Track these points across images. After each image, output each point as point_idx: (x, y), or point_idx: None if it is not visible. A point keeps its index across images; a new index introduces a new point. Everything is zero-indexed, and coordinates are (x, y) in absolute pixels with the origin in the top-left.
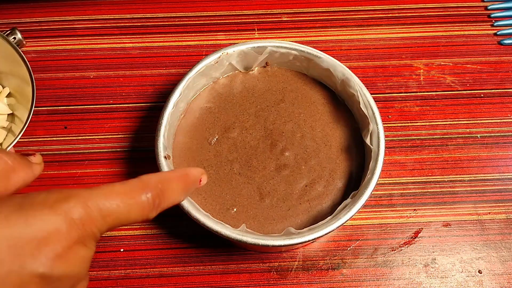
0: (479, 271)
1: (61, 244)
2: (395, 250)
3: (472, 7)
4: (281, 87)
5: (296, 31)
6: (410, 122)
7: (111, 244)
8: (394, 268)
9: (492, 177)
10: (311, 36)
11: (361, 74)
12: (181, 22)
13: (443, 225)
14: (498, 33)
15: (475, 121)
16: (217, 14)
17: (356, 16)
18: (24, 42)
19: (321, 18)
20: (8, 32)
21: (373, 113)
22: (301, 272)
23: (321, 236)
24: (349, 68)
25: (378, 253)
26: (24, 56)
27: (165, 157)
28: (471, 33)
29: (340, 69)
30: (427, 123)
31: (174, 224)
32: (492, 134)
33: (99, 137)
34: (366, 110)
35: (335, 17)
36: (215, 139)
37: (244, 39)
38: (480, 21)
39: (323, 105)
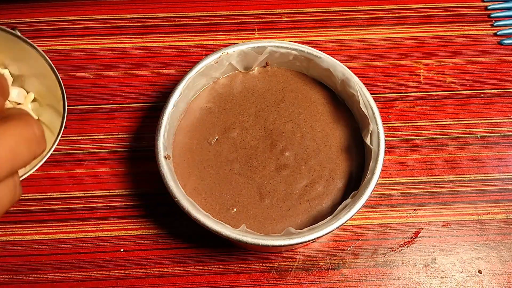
0: (479, 271)
1: None
2: (395, 250)
3: (472, 7)
4: (281, 87)
5: (296, 31)
6: (410, 122)
7: (111, 244)
8: (394, 268)
9: (492, 177)
10: (311, 36)
11: (361, 74)
12: (181, 22)
13: (443, 225)
14: (498, 33)
15: (475, 121)
16: (217, 14)
17: (356, 16)
18: None
19: (321, 18)
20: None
21: (373, 113)
22: (301, 272)
23: (321, 236)
24: (349, 68)
25: (378, 253)
26: (50, 61)
27: (165, 157)
28: (471, 33)
29: (340, 69)
30: (427, 123)
31: (174, 224)
32: (492, 134)
33: (99, 137)
34: (366, 110)
35: (335, 17)
36: (215, 139)
37: (244, 39)
38: (480, 21)
39: (323, 105)
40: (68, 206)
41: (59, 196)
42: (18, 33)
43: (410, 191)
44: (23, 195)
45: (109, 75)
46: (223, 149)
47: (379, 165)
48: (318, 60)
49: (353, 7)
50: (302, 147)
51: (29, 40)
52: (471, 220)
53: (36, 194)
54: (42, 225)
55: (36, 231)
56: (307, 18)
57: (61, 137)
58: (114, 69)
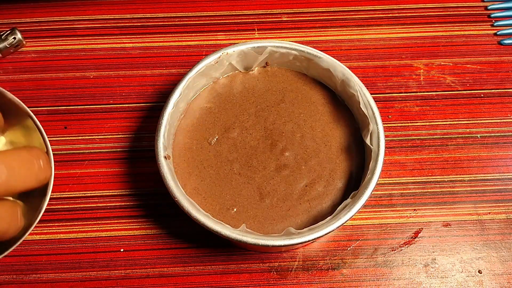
0: (479, 271)
1: None
2: (395, 250)
3: (472, 7)
4: (281, 87)
5: (296, 31)
6: (410, 122)
7: (111, 244)
8: (394, 268)
9: (492, 177)
10: (311, 36)
11: (361, 74)
12: (181, 22)
13: (443, 225)
14: (498, 33)
15: (475, 121)
16: (217, 14)
17: (356, 16)
18: (24, 42)
19: (321, 18)
20: (8, 32)
21: (373, 113)
22: (301, 272)
23: (321, 236)
24: (349, 68)
25: (378, 253)
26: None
27: (165, 157)
28: (471, 33)
29: (340, 69)
30: (427, 123)
31: (174, 224)
32: (492, 134)
33: (99, 137)
34: (366, 110)
35: (335, 17)
36: (215, 139)
37: (244, 39)
38: (480, 21)
39: (323, 105)
40: (68, 206)
41: (59, 196)
42: None
43: (410, 191)
44: None
45: (109, 75)
46: (223, 149)
47: (379, 165)
48: (318, 60)
49: (353, 7)
50: (302, 147)
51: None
52: (471, 220)
53: None
54: (42, 225)
55: (36, 231)
56: (307, 18)
57: (61, 137)
58: (114, 69)
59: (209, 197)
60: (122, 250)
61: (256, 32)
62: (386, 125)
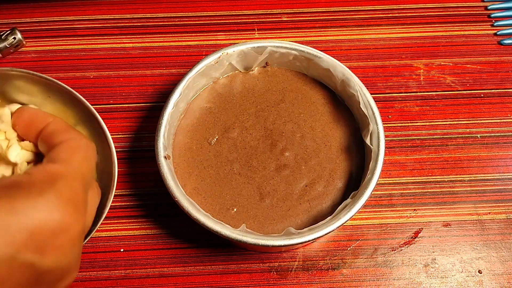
0: (479, 271)
1: (53, 234)
2: (395, 250)
3: (472, 7)
4: (281, 87)
5: (296, 31)
6: (410, 122)
7: (111, 244)
8: (394, 268)
9: (492, 177)
10: (311, 36)
11: (361, 74)
12: (181, 22)
13: (443, 225)
14: (498, 33)
15: (475, 121)
16: (217, 14)
17: (356, 16)
18: (24, 42)
19: (321, 18)
20: (8, 32)
21: (373, 113)
22: (301, 272)
23: (321, 236)
24: (349, 68)
25: (378, 253)
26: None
27: (165, 157)
28: (471, 33)
29: (340, 69)
30: (427, 123)
31: (174, 224)
32: (492, 134)
33: None
34: (366, 110)
35: (335, 17)
36: (215, 139)
37: (244, 39)
38: (480, 21)
39: (323, 105)
40: None
41: None
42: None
43: (410, 191)
44: None
45: (109, 75)
46: (223, 149)
47: (379, 165)
48: (318, 60)
49: (353, 7)
50: (302, 147)
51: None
52: (471, 220)
53: None
54: None
55: None
56: (307, 18)
57: None
58: (114, 69)
59: (209, 197)
60: (122, 250)
61: (256, 32)
62: (386, 125)
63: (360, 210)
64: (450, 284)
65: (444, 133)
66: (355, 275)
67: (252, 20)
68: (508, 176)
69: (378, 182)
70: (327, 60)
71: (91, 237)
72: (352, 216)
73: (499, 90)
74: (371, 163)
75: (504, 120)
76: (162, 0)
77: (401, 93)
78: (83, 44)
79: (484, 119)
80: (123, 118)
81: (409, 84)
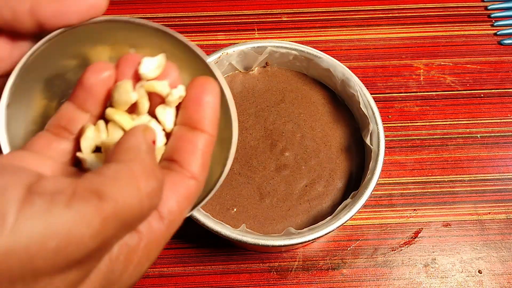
0: (479, 271)
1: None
2: (395, 250)
3: (472, 7)
4: (281, 87)
5: (296, 31)
6: (410, 122)
7: None
8: (394, 268)
9: (492, 177)
10: (311, 36)
11: (361, 74)
12: (181, 22)
13: (443, 225)
14: (498, 33)
15: (475, 121)
16: (217, 14)
17: (356, 16)
18: None
19: (321, 18)
20: None
21: (373, 113)
22: (301, 272)
23: (321, 236)
24: (349, 68)
25: (378, 253)
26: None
27: None
28: (471, 33)
29: (340, 69)
30: (427, 123)
31: None
32: (492, 134)
33: None
34: (366, 110)
35: (335, 17)
36: None
37: (244, 39)
38: (480, 21)
39: (323, 105)
40: None
41: None
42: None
43: (410, 191)
44: None
45: None
46: None
47: (379, 165)
48: (318, 60)
49: (353, 7)
50: (302, 147)
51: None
52: (471, 220)
53: None
54: None
55: None
56: (307, 18)
57: None
58: None
59: None
60: None
61: (256, 32)
62: (386, 125)
63: (360, 210)
64: (450, 284)
65: (444, 133)
66: (355, 275)
67: (252, 20)
68: (508, 176)
69: (378, 182)
70: (327, 60)
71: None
72: (352, 216)
73: (499, 90)
74: (371, 163)
75: (504, 120)
76: (162, 0)
77: (401, 93)
78: None
79: (484, 119)
80: None
81: (409, 84)
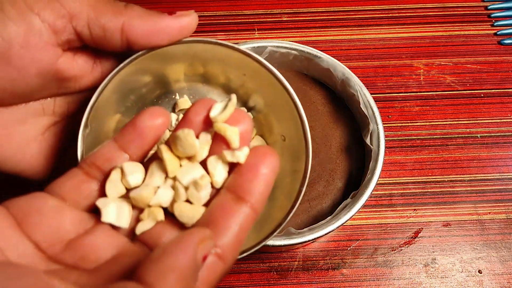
0: (479, 271)
1: None
2: (395, 250)
3: (472, 7)
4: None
5: (296, 31)
6: (410, 122)
7: None
8: (394, 268)
9: (492, 177)
10: (311, 36)
11: (361, 74)
12: None
13: (443, 225)
14: (498, 33)
15: (475, 121)
16: (217, 14)
17: (356, 16)
18: None
19: (321, 18)
20: None
21: (373, 113)
22: (301, 272)
23: (321, 236)
24: (349, 68)
25: (378, 253)
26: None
27: None
28: (471, 33)
29: (340, 69)
30: (427, 123)
31: None
32: (492, 134)
33: None
34: (366, 110)
35: (335, 17)
36: None
37: (244, 39)
38: (480, 21)
39: (323, 105)
40: None
41: None
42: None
43: (410, 191)
44: None
45: None
46: None
47: (379, 165)
48: (318, 60)
49: (353, 7)
50: None
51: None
52: (471, 220)
53: None
54: None
55: None
56: (307, 18)
57: None
58: None
59: None
60: None
61: (256, 32)
62: (386, 125)
63: (360, 210)
64: (450, 284)
65: (444, 133)
66: (355, 275)
67: (252, 20)
68: (508, 176)
69: (378, 182)
70: (327, 60)
71: None
72: (352, 216)
73: (499, 90)
74: (371, 163)
75: (504, 120)
76: (162, 0)
77: (401, 93)
78: None
79: (484, 119)
80: None
81: (409, 84)
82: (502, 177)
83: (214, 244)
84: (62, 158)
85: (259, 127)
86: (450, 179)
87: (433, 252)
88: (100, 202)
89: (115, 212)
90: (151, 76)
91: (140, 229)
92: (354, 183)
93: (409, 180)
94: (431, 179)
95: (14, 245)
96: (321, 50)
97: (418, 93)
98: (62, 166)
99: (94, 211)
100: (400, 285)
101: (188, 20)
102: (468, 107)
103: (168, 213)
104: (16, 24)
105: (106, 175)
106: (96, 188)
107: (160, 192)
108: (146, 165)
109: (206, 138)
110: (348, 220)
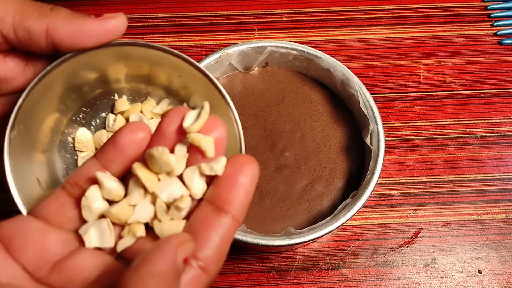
0: (479, 271)
1: None
2: (395, 250)
3: (472, 7)
4: (281, 87)
5: (296, 31)
6: (410, 122)
7: None
8: (394, 268)
9: (492, 177)
10: (311, 36)
11: (361, 74)
12: (181, 22)
13: (443, 225)
14: (498, 33)
15: (475, 121)
16: (217, 14)
17: (356, 16)
18: None
19: (321, 18)
20: None
21: (373, 113)
22: (301, 272)
23: (321, 236)
24: (349, 68)
25: (378, 253)
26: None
27: None
28: (471, 33)
29: (340, 69)
30: (427, 123)
31: None
32: (492, 134)
33: None
34: (366, 110)
35: (335, 17)
36: None
37: (244, 39)
38: (480, 21)
39: (323, 105)
40: None
41: None
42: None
43: (410, 191)
44: None
45: None
46: None
47: (379, 165)
48: (318, 60)
49: (353, 7)
50: (302, 147)
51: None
52: (471, 220)
53: None
54: None
55: None
56: (307, 18)
57: None
58: None
59: None
60: None
61: (256, 32)
62: (386, 125)
63: (360, 210)
64: (450, 284)
65: (444, 133)
66: (355, 275)
67: (252, 20)
68: (508, 176)
69: (378, 182)
70: (327, 60)
71: None
72: (352, 216)
73: (499, 90)
74: (371, 163)
75: (504, 120)
76: (162, 0)
77: (401, 93)
78: None
79: (484, 119)
80: None
81: (409, 84)
82: (502, 177)
83: (193, 247)
84: None
85: None
86: (450, 179)
87: (433, 252)
88: (81, 230)
89: (97, 235)
90: (91, 75)
91: (121, 246)
92: (354, 183)
93: (409, 180)
94: (431, 179)
95: (3, 268)
96: (321, 50)
97: (418, 93)
98: None
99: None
100: (400, 285)
101: (114, 22)
102: (468, 107)
103: (150, 227)
104: None
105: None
106: (78, 210)
107: (138, 209)
108: (127, 180)
109: (182, 151)
110: (348, 220)
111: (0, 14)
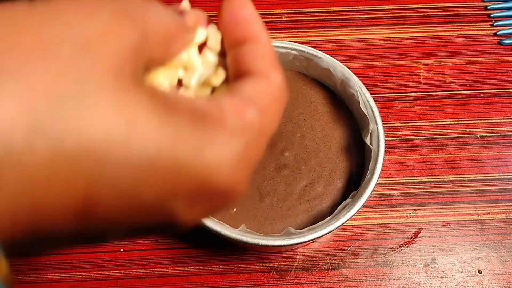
0: (479, 271)
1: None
2: (395, 250)
3: (472, 7)
4: None
5: (296, 31)
6: (410, 122)
7: (111, 244)
8: (394, 268)
9: (492, 177)
10: (311, 36)
11: (361, 74)
12: None
13: (443, 225)
14: (498, 33)
15: (475, 121)
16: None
17: (355, 16)
18: None
19: (321, 18)
20: None
21: (373, 113)
22: (301, 272)
23: (321, 236)
24: (349, 68)
25: (378, 253)
26: None
27: None
28: (471, 33)
29: (340, 69)
30: (427, 123)
31: None
32: (492, 134)
33: None
34: (366, 110)
35: (335, 17)
36: None
37: None
38: (480, 21)
39: (323, 105)
40: None
41: None
42: None
43: (410, 191)
44: None
45: None
46: None
47: (379, 165)
48: (318, 60)
49: (353, 7)
50: (302, 147)
51: None
52: (471, 220)
53: None
54: None
55: None
56: (307, 18)
57: None
58: None
59: None
60: (122, 250)
61: None
62: (386, 125)
63: (360, 210)
64: (450, 284)
65: (444, 133)
66: (355, 275)
67: None
68: (508, 176)
69: (378, 182)
70: (327, 60)
71: None
72: (352, 216)
73: (499, 90)
74: (371, 163)
75: (504, 120)
76: (162, 0)
77: (401, 93)
78: None
79: (483, 119)
80: None
81: (409, 84)
82: (502, 177)
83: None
84: None
85: None
86: (450, 179)
87: (433, 252)
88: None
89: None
90: None
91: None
92: (354, 183)
93: (409, 180)
94: (431, 179)
95: None
96: (321, 50)
97: (418, 93)
98: None
99: None
100: (400, 285)
101: None
102: (468, 107)
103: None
104: None
105: None
106: None
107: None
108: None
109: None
110: (348, 220)
111: None
